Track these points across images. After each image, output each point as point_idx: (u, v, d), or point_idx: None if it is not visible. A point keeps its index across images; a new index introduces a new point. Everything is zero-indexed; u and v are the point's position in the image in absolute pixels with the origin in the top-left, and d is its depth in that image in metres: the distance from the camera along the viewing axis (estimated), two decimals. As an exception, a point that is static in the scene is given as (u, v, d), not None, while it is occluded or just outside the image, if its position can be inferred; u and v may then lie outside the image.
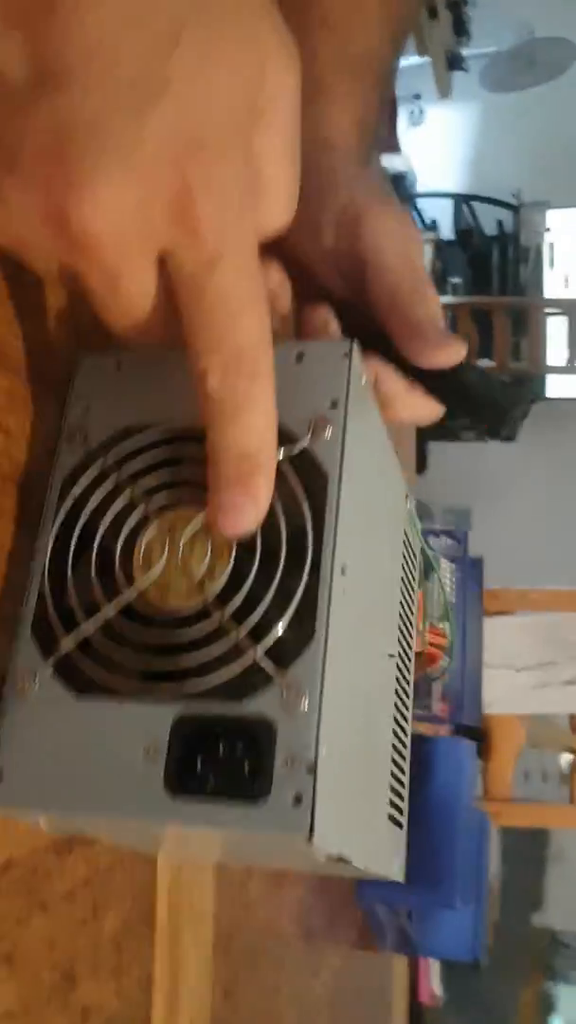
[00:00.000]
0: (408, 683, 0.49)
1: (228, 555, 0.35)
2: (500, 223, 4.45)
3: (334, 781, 0.33)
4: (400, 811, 0.46)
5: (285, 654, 0.33)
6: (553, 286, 4.41)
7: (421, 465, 3.85)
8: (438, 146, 4.82)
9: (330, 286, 0.48)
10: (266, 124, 0.31)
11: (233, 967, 0.60)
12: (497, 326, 3.28)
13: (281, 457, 0.36)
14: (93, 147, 0.27)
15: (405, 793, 0.47)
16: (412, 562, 0.52)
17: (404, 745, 0.48)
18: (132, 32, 0.27)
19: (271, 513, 0.35)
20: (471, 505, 3.97)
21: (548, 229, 4.47)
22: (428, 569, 0.62)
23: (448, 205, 4.44)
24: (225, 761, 0.32)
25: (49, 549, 0.37)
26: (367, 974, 1.02)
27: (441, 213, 4.41)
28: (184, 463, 0.37)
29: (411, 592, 0.51)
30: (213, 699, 0.33)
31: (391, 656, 0.45)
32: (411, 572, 0.51)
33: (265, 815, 0.31)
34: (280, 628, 0.34)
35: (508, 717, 1.83)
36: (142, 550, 0.36)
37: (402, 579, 0.49)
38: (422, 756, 0.93)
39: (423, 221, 4.29)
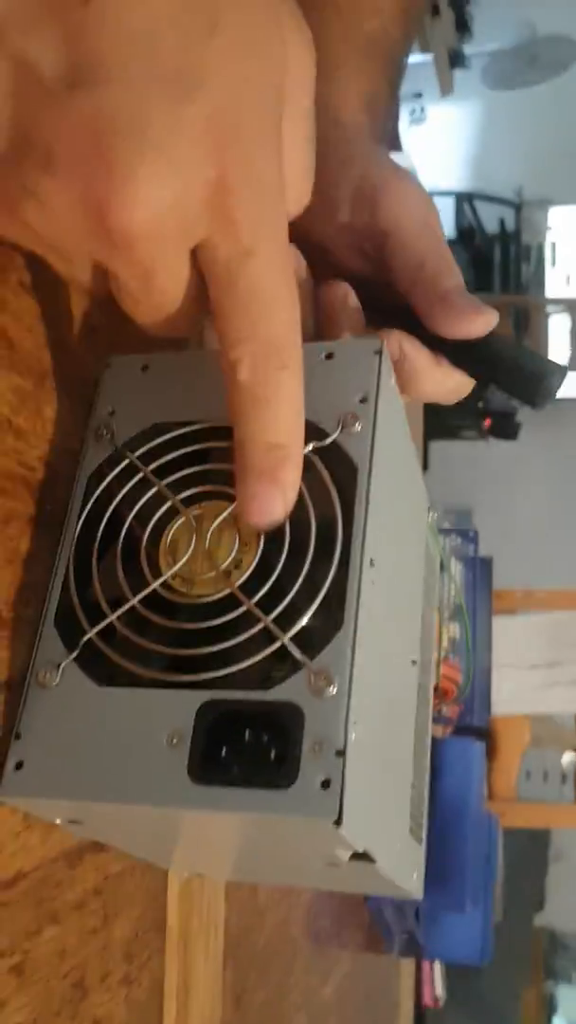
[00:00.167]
0: (428, 697, 0.48)
1: (256, 546, 0.35)
2: (502, 221, 4.45)
3: (362, 771, 0.32)
4: (420, 826, 0.45)
5: (313, 642, 0.33)
6: (555, 285, 4.41)
7: (423, 465, 3.84)
8: (440, 144, 4.81)
9: (347, 264, 0.47)
10: (288, 112, 0.31)
11: (243, 974, 0.59)
12: (499, 325, 3.28)
13: (311, 449, 0.36)
14: (133, 141, 0.27)
15: (425, 810, 0.46)
16: (433, 575, 0.51)
17: (425, 758, 0.47)
18: (169, 22, 0.27)
19: (300, 504, 0.35)
20: (473, 504, 3.97)
21: (550, 227, 4.47)
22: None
23: (450, 203, 4.43)
24: (251, 748, 0.32)
25: (74, 542, 0.37)
26: (374, 977, 1.01)
27: (443, 211, 4.32)
28: (212, 458, 0.37)
29: (431, 604, 0.50)
30: (238, 687, 0.32)
31: (414, 663, 0.44)
32: (432, 584, 0.51)
33: (292, 800, 0.30)
34: (307, 616, 0.33)
35: (514, 717, 1.83)
36: (168, 541, 0.36)
37: (423, 589, 0.48)
38: (432, 758, 0.92)
39: (424, 220, 4.28)
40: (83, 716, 0.33)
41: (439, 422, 3.80)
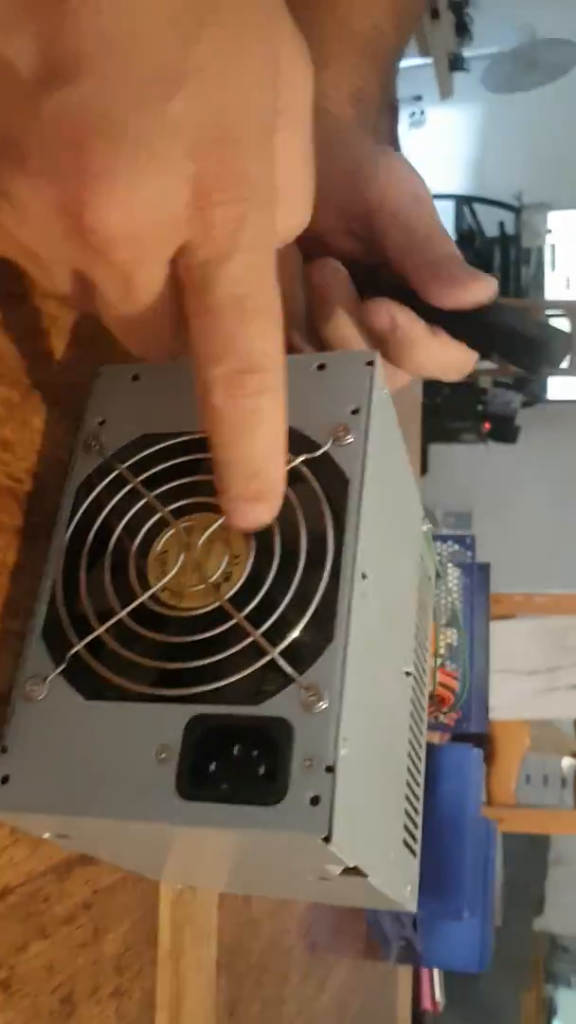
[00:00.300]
0: (423, 709, 0.48)
1: (246, 559, 0.35)
2: (501, 225, 4.45)
3: (353, 787, 0.32)
4: (414, 839, 0.45)
5: (303, 656, 0.32)
6: (555, 288, 4.41)
7: (422, 468, 3.84)
8: (439, 147, 4.81)
9: (340, 248, 0.45)
10: (284, 123, 0.30)
11: (237, 984, 0.58)
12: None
13: (301, 461, 0.35)
14: (109, 139, 0.26)
15: (419, 821, 0.46)
16: (427, 586, 0.51)
17: (419, 771, 0.47)
18: (149, 22, 0.26)
19: (291, 517, 0.34)
20: (472, 508, 3.97)
21: (550, 231, 4.46)
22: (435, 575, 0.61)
23: (449, 207, 4.43)
24: (239, 763, 0.31)
25: (62, 554, 0.36)
26: (372, 985, 1.01)
27: (442, 215, 4.35)
28: (202, 469, 0.37)
29: (425, 615, 0.50)
30: (228, 701, 0.32)
31: (408, 674, 0.44)
32: (426, 595, 0.50)
33: (281, 816, 0.30)
34: (298, 629, 0.33)
35: (513, 722, 1.82)
36: (157, 553, 0.36)
37: (418, 600, 0.48)
38: (429, 764, 0.91)
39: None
40: (70, 730, 0.33)
41: (439, 425, 3.80)
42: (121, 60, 0.26)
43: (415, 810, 0.46)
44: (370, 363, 0.38)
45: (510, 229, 4.45)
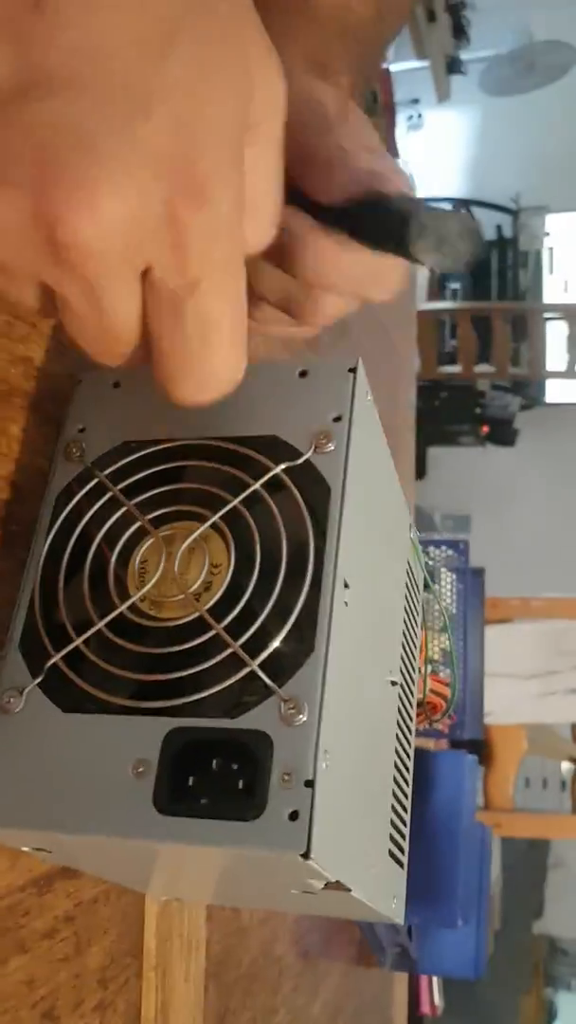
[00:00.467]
0: (411, 718, 0.47)
1: (226, 568, 0.34)
2: (499, 228, 4.45)
3: (333, 800, 0.31)
4: (401, 850, 0.44)
5: (284, 668, 0.32)
6: (553, 291, 4.41)
7: (421, 471, 3.84)
8: (437, 150, 4.81)
9: None
10: (255, 138, 0.29)
11: (226, 995, 0.58)
12: (497, 331, 3.28)
13: (283, 469, 0.35)
14: (83, 155, 0.26)
15: (406, 832, 0.45)
16: (415, 594, 0.50)
17: (406, 781, 0.46)
18: (121, 38, 0.26)
19: (272, 525, 0.34)
20: (471, 511, 3.96)
21: (547, 234, 4.46)
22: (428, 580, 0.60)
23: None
24: (218, 777, 0.31)
25: (41, 564, 0.36)
26: (366, 992, 1.00)
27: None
28: (184, 477, 0.36)
29: (414, 623, 0.50)
30: (206, 714, 0.32)
31: (394, 684, 0.44)
32: (414, 603, 0.50)
33: (259, 832, 0.29)
34: (278, 640, 0.32)
35: (510, 726, 1.82)
36: (137, 563, 0.35)
37: (405, 608, 0.47)
38: (423, 771, 0.91)
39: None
40: (47, 744, 0.32)
41: (437, 429, 3.80)
42: (94, 75, 0.26)
43: (402, 821, 0.45)
44: (352, 370, 0.37)
45: (508, 232, 4.44)
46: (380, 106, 3.64)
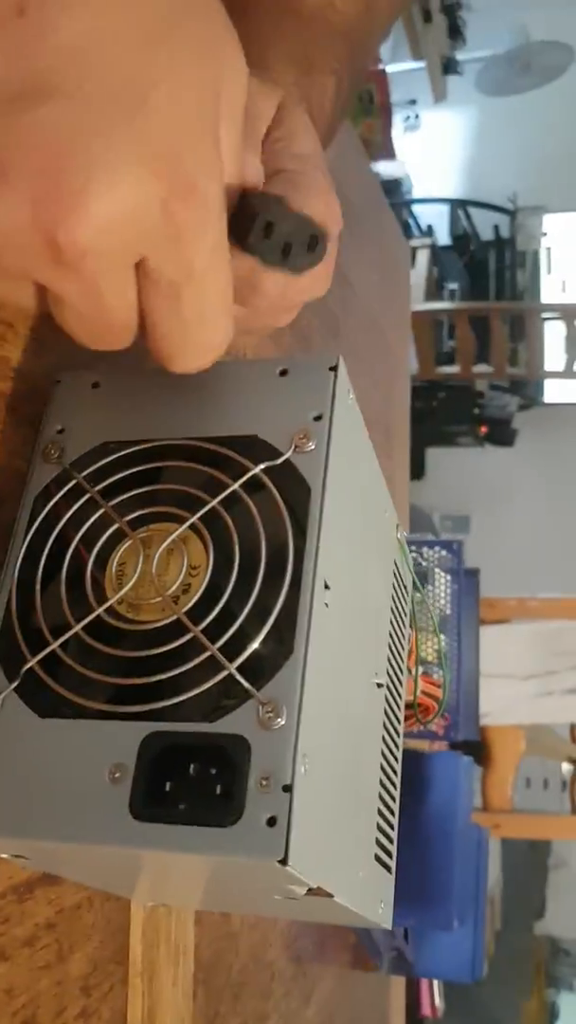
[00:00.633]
0: (398, 720, 0.47)
1: (205, 570, 0.34)
2: (496, 228, 4.44)
3: (313, 805, 0.31)
4: (389, 855, 0.44)
5: (263, 670, 0.31)
6: (550, 291, 4.40)
7: (419, 472, 3.84)
8: (434, 151, 4.80)
9: None
10: (224, 121, 0.31)
11: (215, 1000, 0.57)
12: (495, 332, 3.27)
13: (262, 469, 0.35)
14: (80, 158, 0.27)
15: (394, 836, 0.45)
16: (403, 595, 0.50)
17: (394, 785, 0.46)
18: (109, 35, 0.27)
19: (250, 526, 0.34)
20: (470, 511, 3.96)
21: (545, 234, 4.46)
22: (421, 581, 0.60)
23: (444, 211, 4.42)
24: (195, 782, 0.30)
25: (17, 566, 0.35)
26: (362, 995, 1.00)
27: (437, 219, 4.39)
28: (162, 477, 0.36)
29: (401, 624, 0.49)
30: (184, 718, 0.31)
31: (379, 686, 0.43)
32: (401, 604, 0.49)
33: (236, 838, 0.29)
34: (256, 642, 0.32)
35: (508, 727, 1.81)
36: (115, 565, 0.35)
37: (392, 609, 0.47)
38: (417, 772, 0.90)
39: (419, 227, 4.27)
40: (23, 749, 0.32)
41: (435, 429, 3.80)
42: (82, 78, 0.27)
43: (390, 824, 0.45)
44: (333, 368, 0.37)
45: (505, 232, 4.44)
46: (377, 107, 3.64)
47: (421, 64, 4.02)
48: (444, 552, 0.92)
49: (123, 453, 0.37)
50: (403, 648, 0.49)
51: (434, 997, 2.06)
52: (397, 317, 1.34)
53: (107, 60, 0.27)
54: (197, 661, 0.32)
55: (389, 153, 4.07)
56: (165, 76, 0.28)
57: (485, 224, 4.44)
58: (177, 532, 0.34)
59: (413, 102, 4.69)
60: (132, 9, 0.27)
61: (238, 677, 0.31)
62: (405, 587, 0.51)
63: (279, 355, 0.69)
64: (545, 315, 3.42)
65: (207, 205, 0.29)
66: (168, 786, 0.30)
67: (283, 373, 0.37)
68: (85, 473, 0.36)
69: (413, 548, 0.92)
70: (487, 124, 4.86)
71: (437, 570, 0.92)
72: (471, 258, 4.31)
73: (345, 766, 0.37)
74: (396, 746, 0.47)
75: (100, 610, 0.34)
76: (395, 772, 0.46)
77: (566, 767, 2.46)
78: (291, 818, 0.29)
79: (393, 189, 4.11)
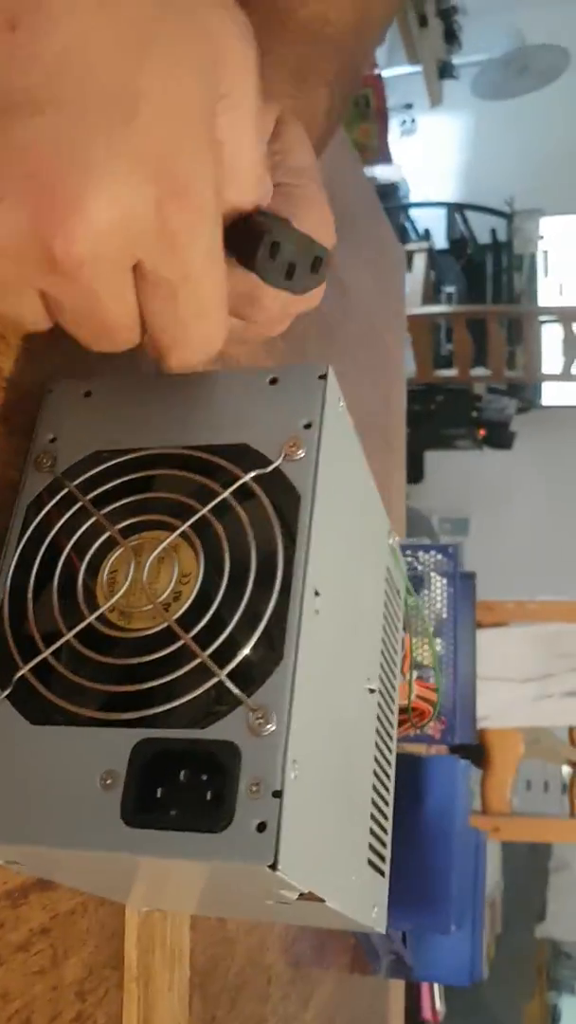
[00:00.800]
0: (392, 725, 0.47)
1: (196, 578, 0.34)
2: (493, 231, 4.45)
3: (304, 810, 0.31)
4: (382, 859, 0.44)
5: (253, 677, 0.32)
6: (547, 294, 4.41)
7: (418, 475, 3.84)
8: (430, 155, 4.81)
9: None
10: (228, 105, 0.31)
11: (212, 1005, 0.57)
12: (492, 335, 3.27)
13: (252, 477, 0.35)
14: (75, 169, 0.27)
15: (388, 840, 0.45)
16: (395, 600, 0.50)
17: (387, 789, 0.46)
18: (98, 44, 0.27)
19: (241, 534, 0.34)
20: (469, 514, 3.96)
21: (542, 237, 4.46)
22: (417, 585, 0.60)
23: (441, 214, 4.43)
24: (186, 788, 0.31)
25: (9, 575, 0.36)
26: (361, 999, 1.00)
27: (434, 222, 4.40)
28: (154, 486, 0.36)
29: (394, 630, 0.49)
30: (175, 725, 0.31)
31: (372, 691, 0.43)
32: (394, 609, 0.50)
33: (227, 843, 0.29)
34: (247, 649, 0.32)
35: (507, 730, 1.81)
36: (106, 573, 0.35)
37: (384, 614, 0.47)
38: (414, 776, 0.90)
39: (416, 231, 4.28)
40: (15, 756, 0.32)
41: (434, 432, 3.80)
42: (73, 89, 0.27)
43: (383, 829, 0.45)
44: (323, 376, 0.37)
45: (502, 236, 4.45)
46: (373, 111, 3.65)
47: (417, 68, 4.03)
48: (440, 556, 0.92)
49: (115, 462, 0.37)
50: (396, 653, 0.50)
51: (435, 1001, 2.06)
52: (393, 320, 1.34)
53: (98, 70, 0.27)
54: (188, 668, 0.32)
55: (386, 157, 4.08)
56: (155, 82, 0.28)
57: (482, 228, 4.45)
58: (168, 540, 0.35)
59: (409, 106, 4.70)
60: (121, 18, 0.28)
61: (228, 684, 0.31)
62: (398, 592, 0.51)
63: (272, 361, 0.69)
64: (542, 318, 3.42)
65: (201, 207, 0.30)
66: (159, 792, 0.31)
67: (273, 382, 0.37)
68: (77, 482, 0.37)
69: (409, 552, 0.92)
70: (483, 128, 4.87)
71: (433, 574, 0.93)
72: (468, 261, 4.32)
73: (337, 771, 0.37)
74: (389, 750, 0.47)
75: (92, 618, 0.34)
76: (388, 776, 0.46)
77: (566, 770, 2.46)
78: (281, 823, 0.29)
79: (390, 193, 4.12)
